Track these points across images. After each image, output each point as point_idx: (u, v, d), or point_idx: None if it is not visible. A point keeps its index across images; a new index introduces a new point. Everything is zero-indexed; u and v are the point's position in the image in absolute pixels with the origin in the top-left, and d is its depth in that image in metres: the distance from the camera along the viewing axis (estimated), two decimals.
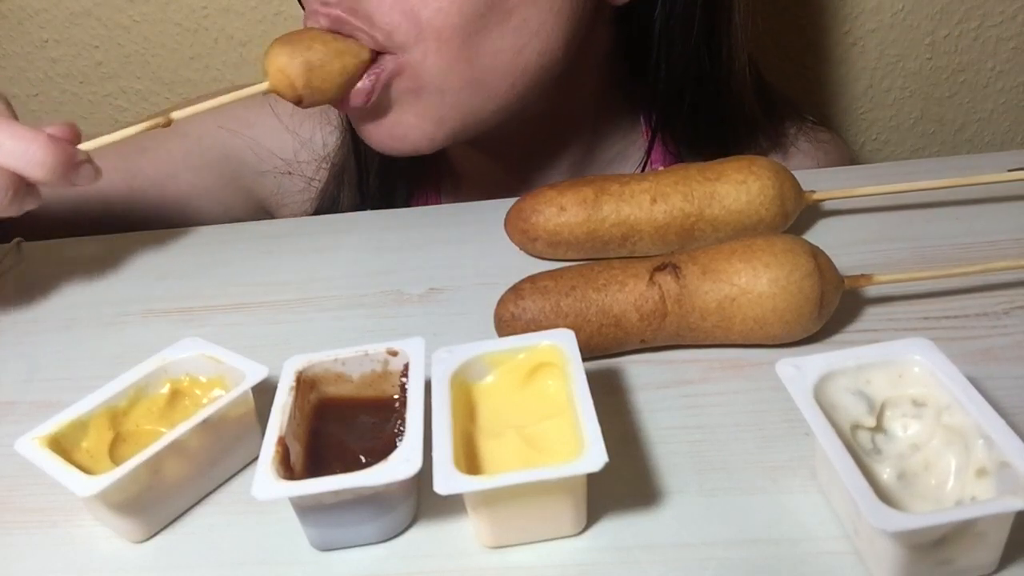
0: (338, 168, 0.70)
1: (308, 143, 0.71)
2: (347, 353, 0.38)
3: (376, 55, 0.51)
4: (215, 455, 0.37)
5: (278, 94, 0.51)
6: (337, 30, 0.51)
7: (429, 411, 0.34)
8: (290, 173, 0.71)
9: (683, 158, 0.66)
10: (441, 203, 0.70)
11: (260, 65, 0.52)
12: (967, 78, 0.93)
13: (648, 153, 0.66)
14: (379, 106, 0.53)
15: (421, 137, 0.55)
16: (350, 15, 0.50)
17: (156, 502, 0.36)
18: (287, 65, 0.50)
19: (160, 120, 0.50)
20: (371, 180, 0.68)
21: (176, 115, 0.50)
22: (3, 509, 0.39)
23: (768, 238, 0.42)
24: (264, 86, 0.51)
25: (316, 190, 0.71)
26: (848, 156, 0.71)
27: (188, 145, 0.71)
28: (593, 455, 0.31)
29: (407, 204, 0.70)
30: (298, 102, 0.51)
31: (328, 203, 0.69)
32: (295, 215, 0.72)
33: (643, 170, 0.66)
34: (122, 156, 0.69)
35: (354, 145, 0.67)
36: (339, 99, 0.52)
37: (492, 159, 0.67)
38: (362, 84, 0.51)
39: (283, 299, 0.51)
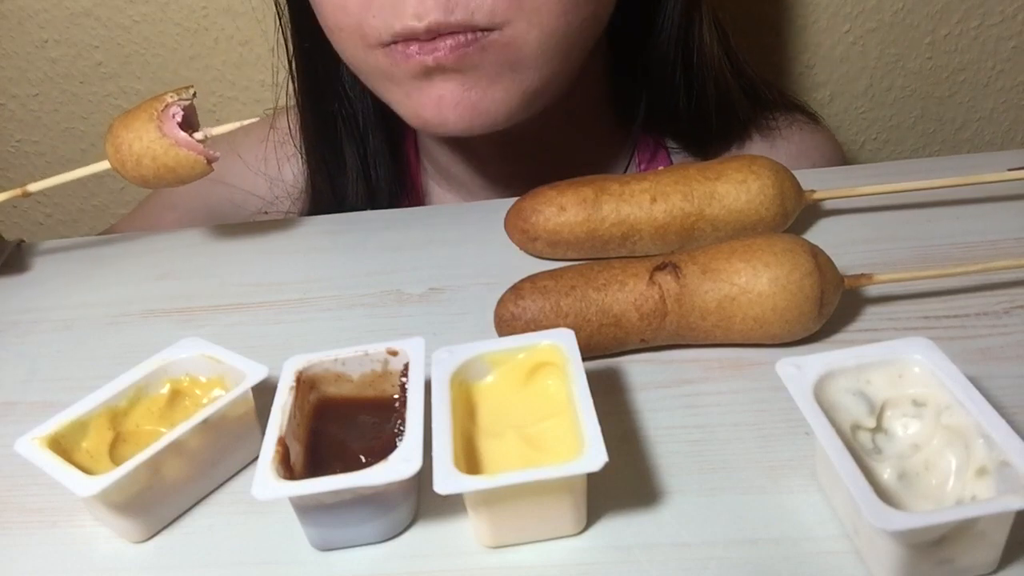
0: (308, 201, 0.70)
1: (278, 179, 0.71)
2: (347, 353, 0.38)
3: None
4: (215, 455, 0.37)
5: (118, 172, 0.52)
6: (434, 35, 0.49)
7: (429, 411, 0.34)
8: (266, 213, 0.70)
9: (670, 154, 0.67)
10: None
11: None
12: (967, 77, 0.93)
13: (634, 149, 0.67)
14: (466, 77, 0.51)
15: (504, 112, 0.53)
16: (445, 16, 0.48)
17: (156, 502, 0.36)
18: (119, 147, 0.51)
19: (17, 192, 0.53)
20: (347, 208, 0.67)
21: (32, 187, 0.53)
22: (3, 509, 0.39)
23: (768, 237, 0.42)
24: (106, 164, 0.53)
25: (300, 210, 0.71)
26: (836, 148, 0.72)
27: (178, 216, 0.72)
28: (593, 455, 0.31)
29: None
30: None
31: None
32: None
33: (629, 167, 0.68)
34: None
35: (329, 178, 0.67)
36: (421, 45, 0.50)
37: (486, 171, 0.67)
38: (456, 39, 0.49)
39: (283, 299, 0.51)
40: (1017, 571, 0.31)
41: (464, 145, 0.65)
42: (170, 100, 0.50)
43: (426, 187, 0.70)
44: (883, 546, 0.30)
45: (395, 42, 0.50)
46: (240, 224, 0.62)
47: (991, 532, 0.30)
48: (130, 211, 0.78)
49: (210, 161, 0.51)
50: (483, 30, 0.49)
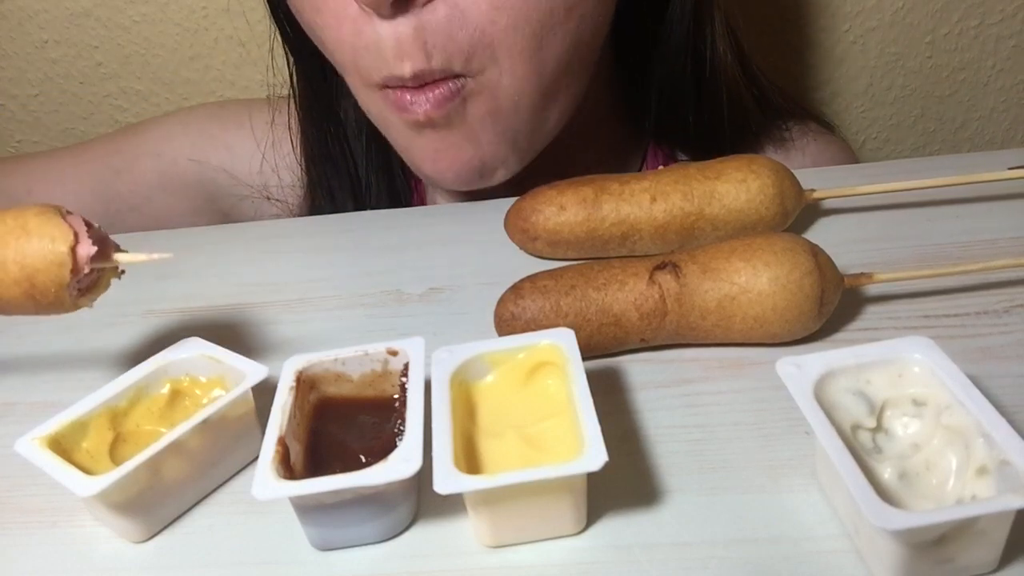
0: (309, 193, 0.69)
1: (285, 163, 0.69)
2: (347, 353, 0.38)
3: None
4: (215, 455, 0.37)
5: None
6: (421, 83, 0.50)
7: (429, 411, 0.34)
8: (268, 198, 0.70)
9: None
10: None
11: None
12: (967, 76, 0.93)
13: (643, 162, 0.66)
14: (455, 133, 0.52)
15: (499, 165, 0.54)
16: (426, 62, 0.49)
17: (156, 502, 0.36)
18: None
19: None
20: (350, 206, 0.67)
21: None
22: (3, 509, 0.39)
23: (768, 237, 0.42)
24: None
25: (293, 214, 0.70)
26: (851, 158, 0.71)
27: (162, 166, 0.70)
28: (593, 454, 0.31)
29: None
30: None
31: None
32: None
33: None
34: (98, 179, 0.69)
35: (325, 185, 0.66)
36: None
37: (495, 189, 0.67)
38: (440, 91, 0.50)
39: (283, 299, 0.51)
40: (1017, 570, 0.31)
41: None
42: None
43: (433, 199, 0.70)
44: (883, 545, 0.30)
45: (388, 86, 0.51)
46: (240, 224, 0.62)
47: (991, 531, 0.30)
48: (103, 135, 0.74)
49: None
50: (462, 76, 0.50)
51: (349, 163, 0.66)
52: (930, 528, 0.28)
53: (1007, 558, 0.31)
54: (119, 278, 0.39)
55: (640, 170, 0.67)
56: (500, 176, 0.55)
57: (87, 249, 0.36)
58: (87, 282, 0.38)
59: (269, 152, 0.69)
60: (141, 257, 0.37)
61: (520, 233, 0.50)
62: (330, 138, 0.66)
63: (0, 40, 0.91)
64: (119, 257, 0.37)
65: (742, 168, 0.47)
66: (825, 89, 0.93)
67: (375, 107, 0.54)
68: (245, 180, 0.70)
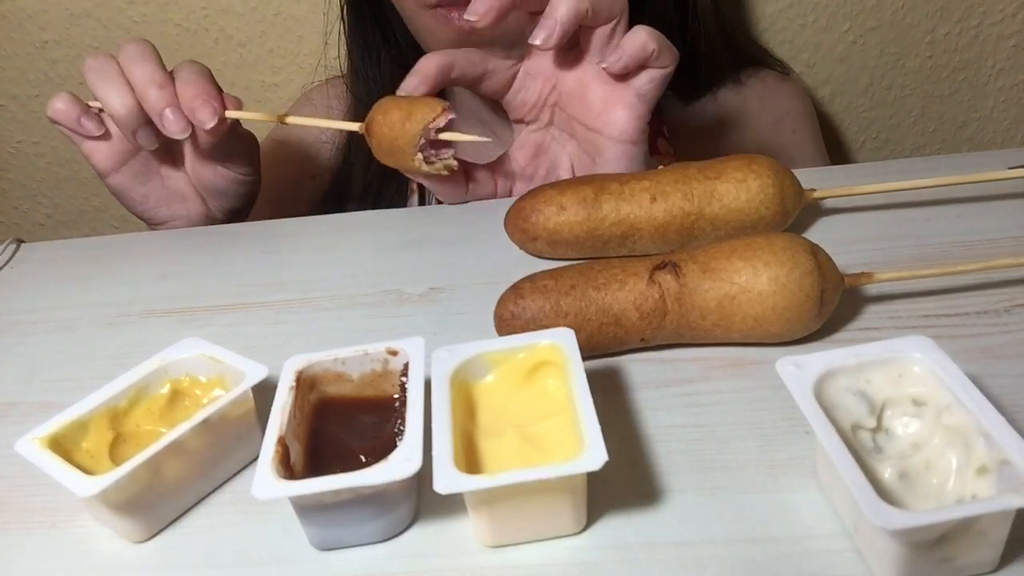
0: (345, 149, 0.76)
1: (323, 137, 0.77)
2: (347, 353, 0.38)
3: None
4: (215, 455, 0.37)
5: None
6: None
7: (429, 410, 0.34)
8: (312, 178, 0.77)
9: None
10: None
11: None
12: (967, 76, 0.93)
13: None
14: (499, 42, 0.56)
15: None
16: None
17: (156, 502, 0.36)
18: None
19: (273, 118, 0.56)
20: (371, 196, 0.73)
21: (290, 119, 0.56)
22: (3, 509, 0.39)
23: (768, 236, 0.42)
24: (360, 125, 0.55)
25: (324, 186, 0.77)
26: (802, 98, 0.79)
27: (284, 169, 0.78)
28: (593, 454, 0.31)
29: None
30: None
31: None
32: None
33: None
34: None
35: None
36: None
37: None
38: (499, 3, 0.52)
39: (283, 299, 0.51)
40: (1017, 570, 0.31)
41: None
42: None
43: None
44: (883, 545, 0.30)
45: (439, 5, 0.57)
46: (240, 224, 0.62)
47: (991, 531, 0.29)
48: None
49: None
50: None
51: (388, 75, 0.72)
52: (930, 528, 0.28)
53: (1007, 558, 0.31)
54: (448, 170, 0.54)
55: None
56: None
57: (444, 120, 0.51)
58: (433, 153, 0.53)
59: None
60: (471, 137, 0.53)
61: (520, 233, 0.50)
62: (373, 57, 0.73)
63: (0, 40, 0.91)
64: (452, 136, 0.52)
65: (742, 168, 0.47)
66: (825, 89, 0.93)
67: (423, 25, 0.61)
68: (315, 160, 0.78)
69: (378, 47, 0.73)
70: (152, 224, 0.64)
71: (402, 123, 0.51)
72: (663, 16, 0.69)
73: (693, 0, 0.71)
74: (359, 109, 0.74)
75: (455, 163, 0.53)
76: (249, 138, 0.63)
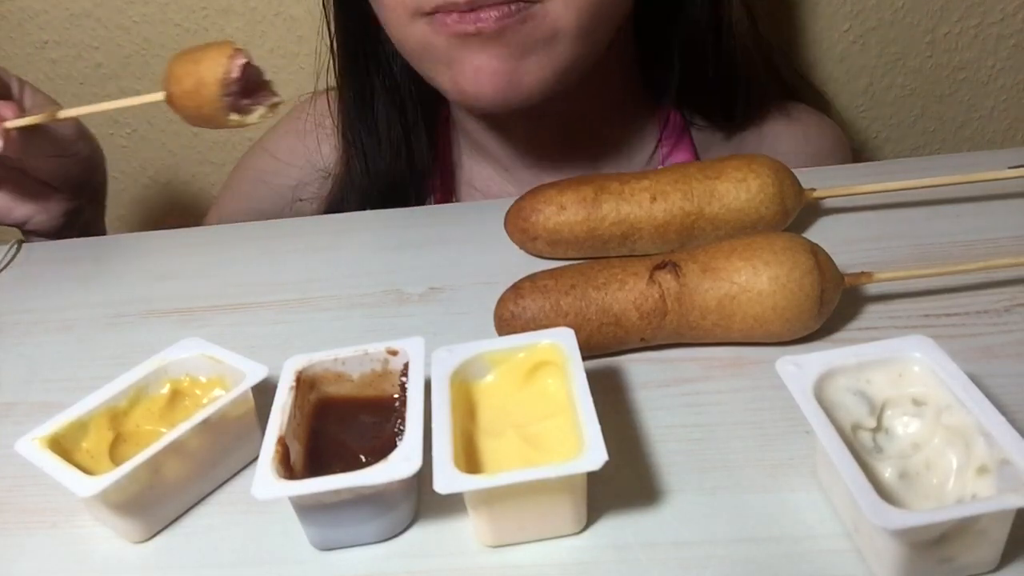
0: (341, 178, 0.71)
1: (316, 152, 0.72)
2: (347, 353, 0.38)
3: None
4: (215, 455, 0.37)
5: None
6: (474, 6, 0.51)
7: (429, 410, 0.34)
8: (300, 200, 0.74)
9: (693, 129, 0.69)
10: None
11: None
12: (967, 76, 0.92)
13: (662, 128, 0.69)
14: (502, 48, 0.53)
15: (538, 86, 0.55)
16: None
17: (156, 502, 0.36)
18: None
19: (47, 116, 0.53)
20: (376, 193, 0.69)
21: (63, 113, 0.52)
22: (3, 509, 0.39)
23: (768, 236, 0.42)
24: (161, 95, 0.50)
25: (319, 206, 0.73)
26: (845, 143, 0.74)
27: (238, 204, 0.76)
28: (593, 454, 0.31)
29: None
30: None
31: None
32: None
33: (658, 143, 0.69)
34: (247, 213, 0.75)
35: (362, 161, 0.69)
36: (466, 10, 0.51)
37: (516, 145, 0.68)
38: (499, 11, 0.51)
39: (283, 299, 0.51)
40: (1018, 569, 0.31)
41: (496, 120, 0.67)
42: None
43: (458, 160, 0.72)
44: (884, 544, 0.30)
45: (437, 11, 0.53)
46: (240, 224, 0.62)
47: (992, 530, 0.29)
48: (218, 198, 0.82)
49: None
50: (525, 1, 0.52)
51: (381, 113, 0.68)
52: (930, 527, 0.28)
53: (1007, 557, 0.31)
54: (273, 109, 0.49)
55: (660, 139, 0.69)
56: (537, 98, 0.56)
57: (236, 66, 0.46)
58: (247, 102, 0.48)
59: (297, 154, 0.73)
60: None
61: (520, 233, 0.50)
62: (365, 94, 0.68)
63: (0, 40, 0.91)
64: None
65: (742, 167, 0.47)
66: (825, 88, 0.93)
67: (417, 38, 0.56)
68: (288, 191, 0.75)
69: (372, 87, 0.69)
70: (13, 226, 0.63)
71: (197, 90, 0.47)
72: (695, 35, 0.64)
73: (728, 17, 0.65)
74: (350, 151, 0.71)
75: (279, 97, 0.49)
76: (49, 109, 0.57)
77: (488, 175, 0.70)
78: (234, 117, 0.48)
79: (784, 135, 0.70)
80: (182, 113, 0.49)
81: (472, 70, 0.54)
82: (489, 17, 0.51)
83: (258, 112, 0.49)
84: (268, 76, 0.50)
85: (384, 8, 0.57)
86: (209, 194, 0.98)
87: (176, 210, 0.99)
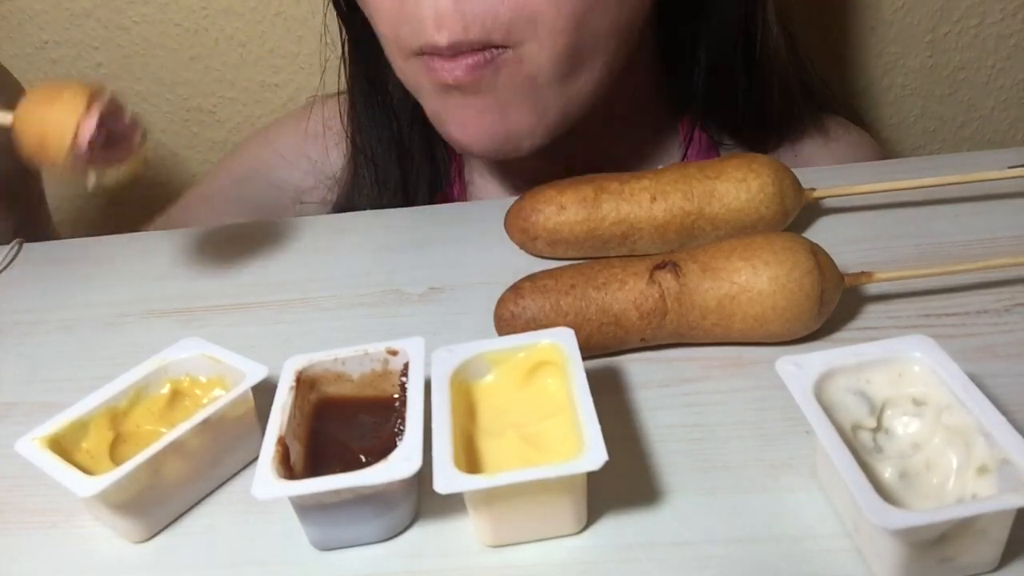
0: (348, 187, 0.70)
1: (324, 161, 0.71)
2: (347, 353, 0.38)
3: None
4: (215, 455, 0.37)
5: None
6: (456, 52, 0.50)
7: (429, 410, 0.34)
8: (302, 203, 0.72)
9: (722, 149, 0.66)
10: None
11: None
12: (967, 76, 0.92)
13: (687, 146, 0.66)
14: (482, 100, 0.52)
15: (526, 136, 0.55)
16: (464, 33, 0.49)
17: (156, 502, 0.36)
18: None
19: None
20: (386, 197, 0.68)
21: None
22: (3, 509, 0.39)
23: (768, 236, 0.42)
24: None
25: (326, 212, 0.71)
26: (881, 156, 0.70)
27: (213, 207, 0.73)
28: (593, 454, 0.31)
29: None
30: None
31: None
32: None
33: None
34: (225, 213, 0.72)
35: (371, 165, 0.68)
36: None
37: (527, 165, 0.66)
38: (474, 59, 0.50)
39: (283, 299, 0.51)
40: (1018, 569, 0.31)
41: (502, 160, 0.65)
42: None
43: (468, 177, 0.70)
44: (884, 544, 0.30)
45: (423, 54, 0.52)
46: (240, 224, 0.62)
47: (992, 530, 0.29)
48: (166, 210, 0.79)
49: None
50: (499, 47, 0.50)
51: (392, 127, 0.67)
52: (930, 527, 0.28)
53: (1007, 557, 0.31)
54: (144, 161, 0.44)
55: (684, 156, 0.66)
56: (527, 147, 0.55)
57: (88, 128, 0.40)
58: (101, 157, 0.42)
59: (305, 156, 0.72)
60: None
61: (520, 233, 0.50)
62: (376, 107, 0.67)
63: (0, 41, 0.91)
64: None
65: (742, 167, 0.47)
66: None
67: (410, 74, 0.55)
68: (290, 192, 0.73)
69: (386, 100, 0.67)
70: None
71: (43, 150, 0.39)
72: (724, 50, 0.61)
73: (763, 32, 0.60)
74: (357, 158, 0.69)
75: (148, 152, 0.43)
76: None
77: (500, 195, 0.69)
78: (92, 179, 0.42)
79: (820, 157, 0.66)
80: (34, 163, 0.43)
81: (459, 123, 0.54)
82: (464, 66, 0.50)
83: (126, 168, 0.42)
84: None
85: (384, 44, 0.56)
86: None
87: None
